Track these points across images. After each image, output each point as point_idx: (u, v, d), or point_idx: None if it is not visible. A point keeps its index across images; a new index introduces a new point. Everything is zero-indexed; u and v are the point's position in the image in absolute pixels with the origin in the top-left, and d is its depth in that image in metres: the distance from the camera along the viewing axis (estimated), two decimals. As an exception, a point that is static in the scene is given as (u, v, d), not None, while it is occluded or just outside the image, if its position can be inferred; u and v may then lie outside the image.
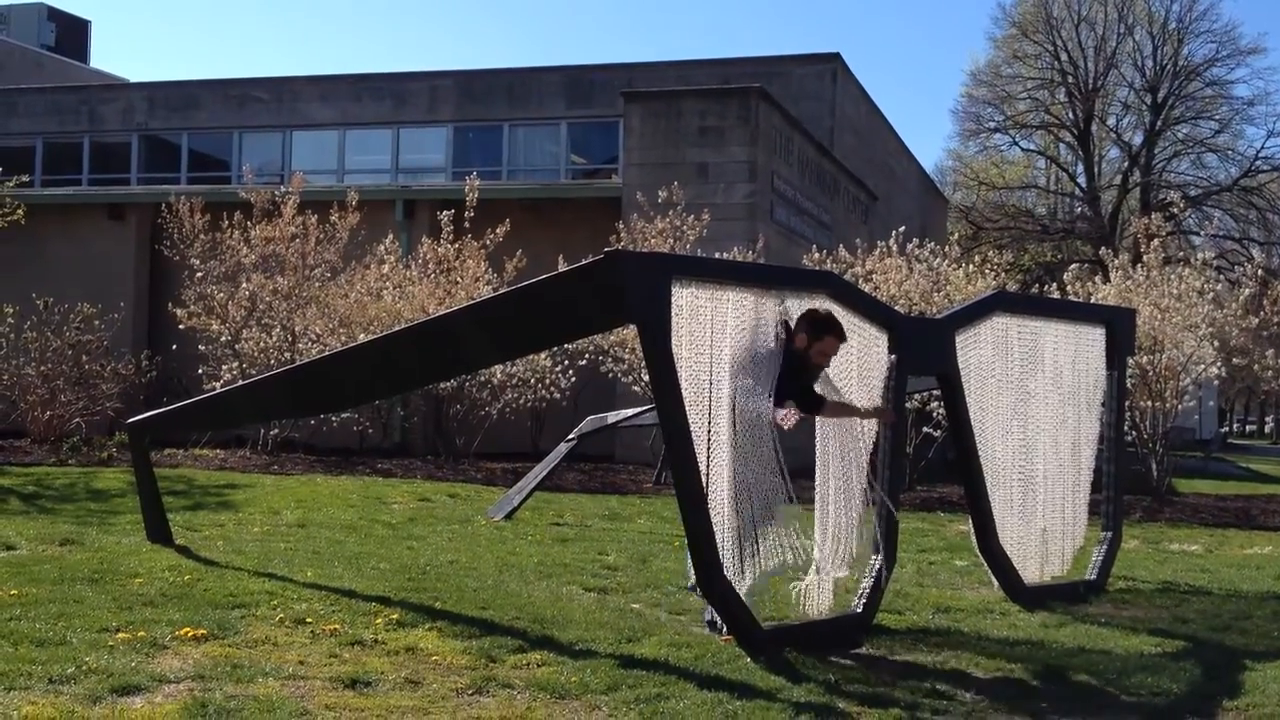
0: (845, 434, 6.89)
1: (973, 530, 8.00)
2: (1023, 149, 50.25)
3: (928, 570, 9.19)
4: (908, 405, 12.84)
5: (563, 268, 7.67)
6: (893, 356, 7.16)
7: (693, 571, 6.35)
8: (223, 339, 18.28)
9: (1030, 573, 8.21)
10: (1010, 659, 6.16)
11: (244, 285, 18.27)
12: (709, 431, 6.16)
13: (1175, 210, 27.44)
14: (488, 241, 17.86)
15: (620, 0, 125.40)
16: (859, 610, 6.80)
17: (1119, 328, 9.07)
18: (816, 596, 6.68)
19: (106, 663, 5.34)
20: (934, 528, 12.04)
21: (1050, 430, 8.51)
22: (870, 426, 7.05)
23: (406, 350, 7.59)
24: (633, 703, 5.07)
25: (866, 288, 14.73)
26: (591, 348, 17.06)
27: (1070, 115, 47.22)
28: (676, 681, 5.41)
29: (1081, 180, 48.66)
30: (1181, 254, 23.38)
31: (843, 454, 6.87)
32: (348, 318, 17.79)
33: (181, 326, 18.62)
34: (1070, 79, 46.14)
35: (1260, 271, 17.53)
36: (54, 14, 41.60)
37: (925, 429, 15.38)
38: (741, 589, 6.17)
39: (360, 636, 6.08)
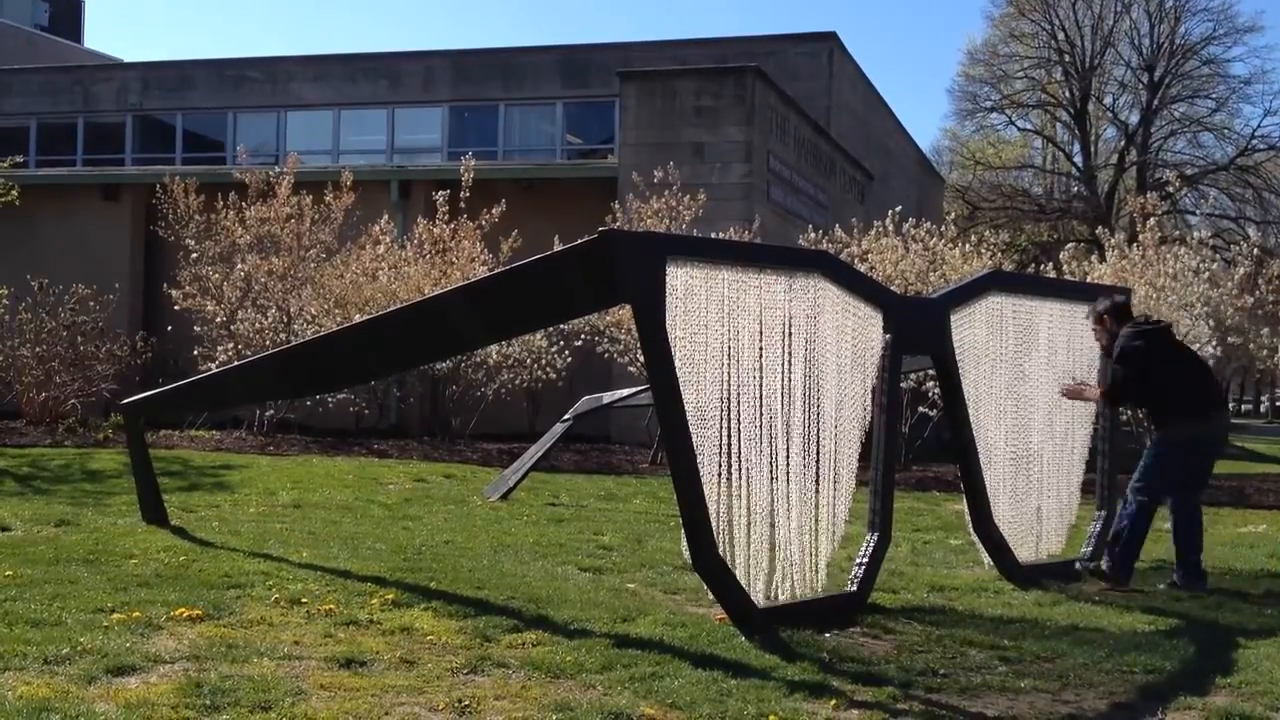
0: (840, 411, 6.89)
1: (967, 509, 8.01)
2: (1019, 128, 50.19)
3: (922, 549, 9.20)
4: (903, 385, 12.84)
5: (558, 248, 7.65)
6: (888, 336, 7.16)
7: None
8: (218, 320, 18.26)
9: (1024, 552, 8.23)
10: (1004, 637, 6.17)
11: (239, 266, 18.24)
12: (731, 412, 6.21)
13: (1171, 189, 27.38)
14: (483, 222, 17.83)
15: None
16: (854, 589, 6.81)
17: (1114, 307, 9.05)
18: (810, 575, 6.69)
19: (101, 643, 5.35)
20: (929, 507, 12.06)
21: (1045, 409, 8.52)
22: (862, 404, 7.05)
23: (400, 330, 7.59)
24: (627, 682, 5.08)
25: (862, 267, 14.72)
26: (587, 328, 17.05)
27: (1067, 94, 47.12)
28: (671, 660, 5.42)
29: (1078, 159, 48.60)
30: (1177, 233, 23.37)
31: (837, 432, 6.86)
32: (343, 298, 17.76)
33: (177, 307, 18.60)
34: (1067, 58, 46.03)
35: (1256, 250, 17.51)
36: (47, -6, 41.43)
37: (920, 408, 15.39)
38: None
39: (355, 617, 6.09)
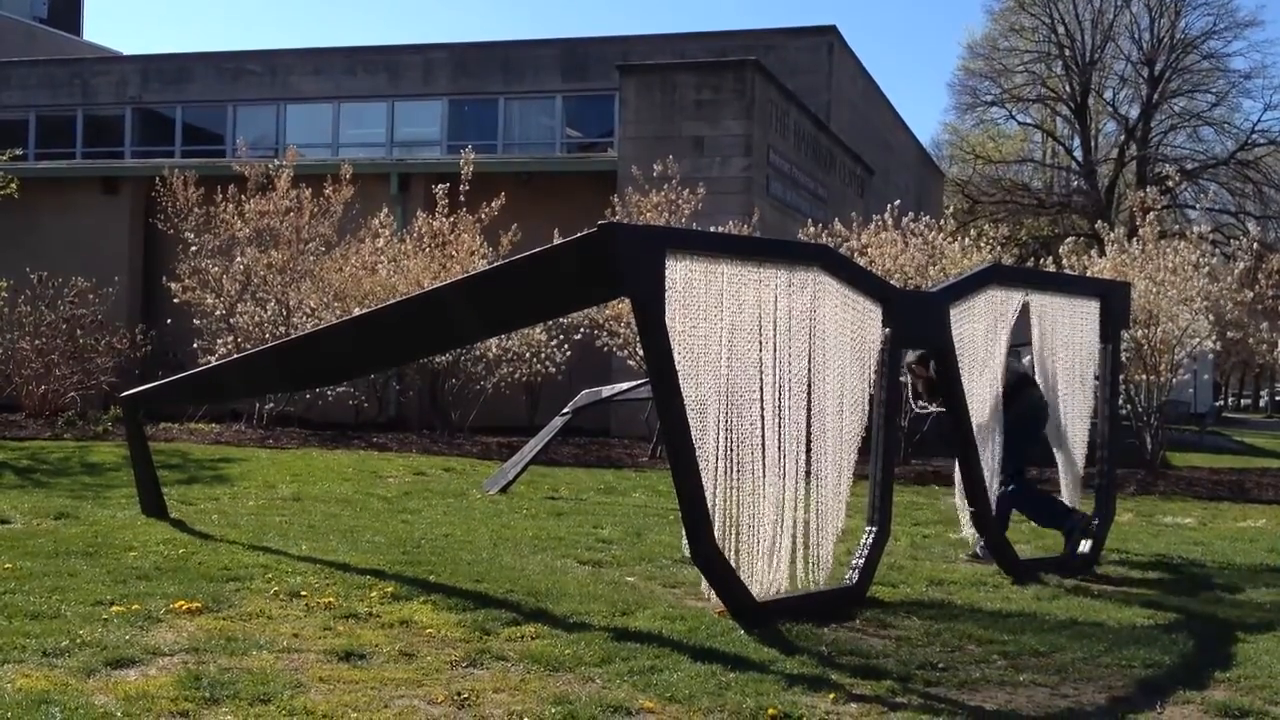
0: (840, 405, 6.88)
1: (966, 504, 8.00)
2: (1019, 122, 50.22)
3: (921, 543, 9.20)
4: (902, 380, 12.81)
5: (557, 241, 7.66)
6: (887, 330, 7.15)
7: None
8: (217, 313, 18.26)
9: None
10: (1003, 631, 6.17)
11: (238, 259, 18.24)
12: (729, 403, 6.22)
13: (1171, 184, 27.40)
14: (482, 215, 17.82)
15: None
16: (853, 583, 6.81)
17: (1114, 301, 9.05)
18: (809, 569, 6.69)
19: (101, 635, 5.35)
20: (928, 501, 12.06)
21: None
22: (862, 399, 7.05)
23: (399, 324, 7.58)
24: (626, 675, 5.08)
25: (862, 261, 14.70)
26: (586, 322, 17.04)
27: (1067, 88, 47.13)
28: (670, 654, 5.41)
29: (1078, 154, 48.60)
30: (1177, 227, 23.39)
31: (837, 426, 6.86)
32: (342, 291, 17.76)
33: (176, 300, 18.60)
34: (1067, 52, 46.04)
35: (1255, 245, 17.47)
36: (46, -14, 41.39)
37: (920, 403, 15.36)
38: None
39: (355, 610, 6.09)
